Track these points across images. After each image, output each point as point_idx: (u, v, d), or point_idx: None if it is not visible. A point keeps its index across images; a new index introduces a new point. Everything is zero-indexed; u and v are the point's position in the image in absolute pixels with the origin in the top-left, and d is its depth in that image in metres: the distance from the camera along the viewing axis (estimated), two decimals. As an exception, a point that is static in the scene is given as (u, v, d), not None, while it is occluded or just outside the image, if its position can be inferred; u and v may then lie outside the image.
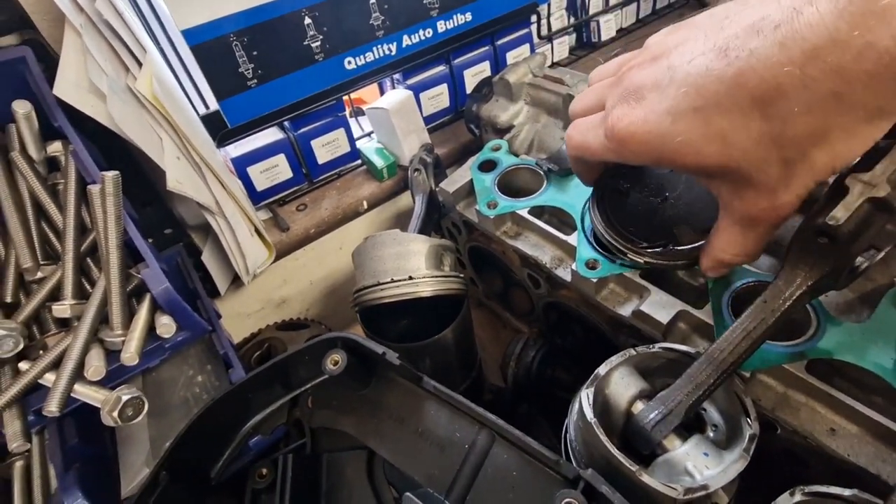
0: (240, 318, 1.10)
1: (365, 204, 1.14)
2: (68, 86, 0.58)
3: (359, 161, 1.19)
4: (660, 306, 0.66)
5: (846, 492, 0.49)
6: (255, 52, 0.90)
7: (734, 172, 0.39)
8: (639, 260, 0.60)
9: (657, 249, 0.59)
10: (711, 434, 0.57)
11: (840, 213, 0.45)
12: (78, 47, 0.59)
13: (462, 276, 0.86)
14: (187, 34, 0.81)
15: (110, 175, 0.53)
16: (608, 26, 1.48)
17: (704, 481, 0.50)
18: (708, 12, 0.42)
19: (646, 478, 0.49)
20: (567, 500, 0.48)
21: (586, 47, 1.53)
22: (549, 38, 1.41)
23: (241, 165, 1.01)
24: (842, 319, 0.60)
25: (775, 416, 0.58)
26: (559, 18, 1.40)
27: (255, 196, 1.06)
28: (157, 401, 0.77)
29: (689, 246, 0.57)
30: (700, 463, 0.52)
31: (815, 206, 0.48)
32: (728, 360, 0.53)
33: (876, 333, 0.57)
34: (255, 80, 0.92)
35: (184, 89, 0.91)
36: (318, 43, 0.96)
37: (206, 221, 0.92)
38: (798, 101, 0.34)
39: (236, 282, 1.04)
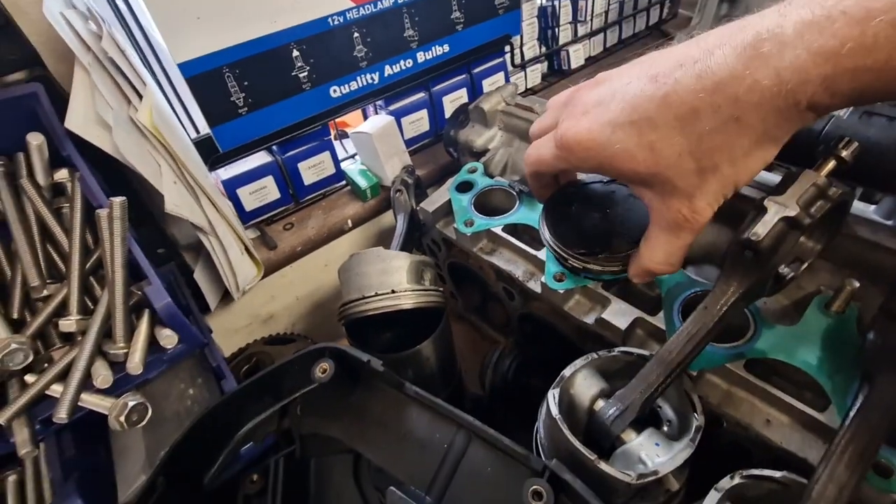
0: (228, 333, 1.14)
1: (349, 223, 1.20)
2: (78, 119, 0.63)
3: (343, 182, 1.26)
4: (619, 314, 0.73)
5: (777, 473, 0.56)
6: (246, 83, 0.96)
7: (661, 179, 0.47)
8: (577, 265, 0.68)
9: (595, 256, 0.67)
10: (666, 429, 0.64)
11: (760, 230, 0.53)
12: (86, 84, 0.65)
13: (441, 290, 0.92)
14: (183, 67, 0.87)
15: (118, 200, 0.58)
16: (577, 55, 1.58)
17: (655, 467, 0.56)
18: (646, 55, 0.51)
19: (603, 466, 0.55)
20: (534, 487, 0.54)
21: (557, 74, 1.63)
22: (523, 67, 1.50)
23: (231, 187, 1.06)
24: (776, 324, 0.67)
25: (721, 411, 0.65)
26: (531, 48, 1.50)
27: (245, 216, 1.11)
28: (151, 413, 0.80)
29: (622, 254, 0.64)
30: (652, 452, 0.58)
31: (742, 224, 0.56)
32: (675, 360, 0.60)
33: (804, 335, 0.64)
34: (246, 108, 0.98)
35: (177, 116, 0.97)
36: (305, 73, 1.03)
37: (196, 241, 0.97)
38: (709, 122, 0.42)
39: (225, 298, 1.08)
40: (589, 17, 1.56)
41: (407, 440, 0.69)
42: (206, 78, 0.90)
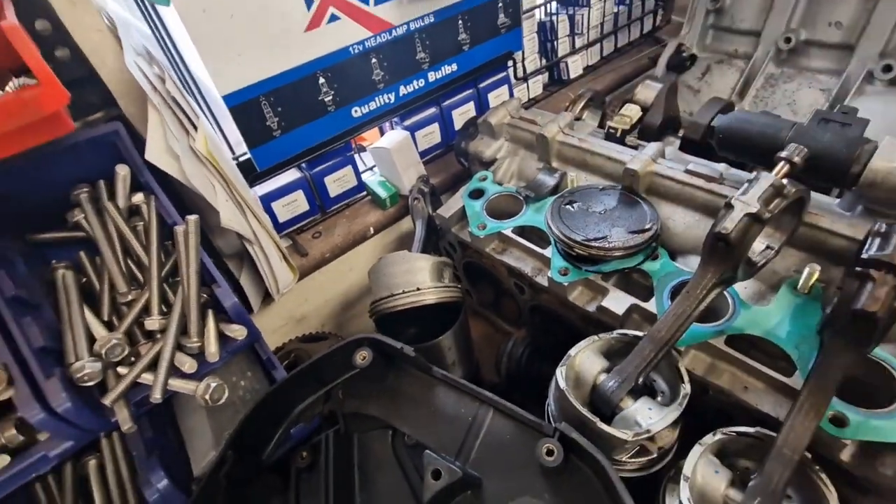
0: (267, 333, 1.26)
1: (371, 230, 1.32)
2: (155, 152, 0.75)
3: (365, 192, 1.37)
4: (617, 301, 0.84)
5: (751, 430, 0.66)
6: (279, 108, 1.08)
7: None
8: (582, 253, 0.81)
9: (596, 244, 0.79)
10: (660, 398, 0.75)
11: (728, 225, 0.64)
12: (158, 121, 0.77)
13: (459, 286, 1.03)
14: (227, 98, 0.99)
15: (193, 218, 0.70)
16: (575, 66, 1.69)
17: (647, 427, 0.67)
18: None
19: (605, 426, 0.66)
20: (547, 445, 0.65)
21: (558, 84, 1.74)
22: (525, 79, 1.61)
23: (266, 201, 1.18)
24: (753, 304, 0.78)
25: (706, 381, 0.76)
26: (532, 62, 1.61)
27: (279, 227, 1.23)
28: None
29: (621, 242, 0.76)
30: (646, 416, 0.69)
31: (715, 220, 0.67)
32: (664, 337, 0.71)
33: (776, 313, 0.75)
34: (280, 131, 1.10)
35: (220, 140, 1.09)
36: (330, 97, 1.15)
37: (238, 251, 1.09)
38: None
39: (265, 301, 1.20)
40: (585, 30, 1.67)
41: (436, 415, 0.80)
42: (245, 106, 1.03)
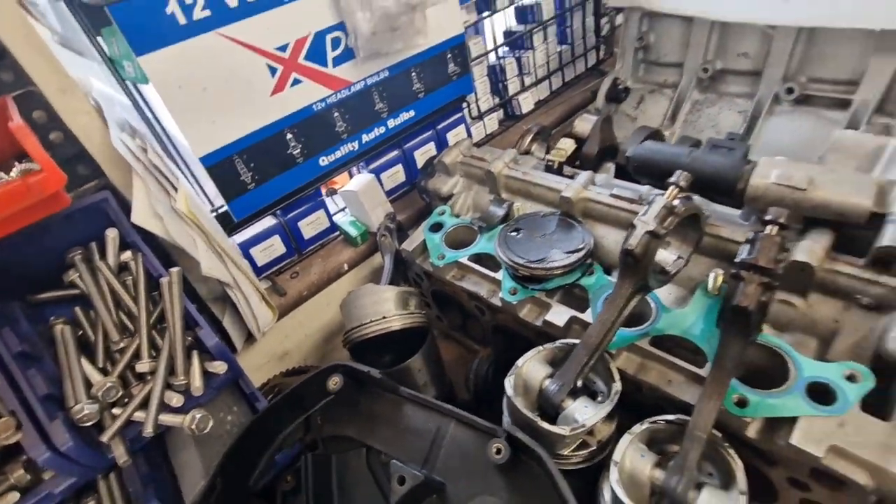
0: (251, 370, 1.34)
1: (345, 266, 1.42)
2: (141, 215, 0.85)
3: (337, 232, 1.48)
4: (558, 315, 0.95)
5: (672, 417, 0.76)
6: (252, 164, 1.20)
7: None
8: (526, 274, 0.92)
9: (537, 265, 0.91)
10: (600, 398, 0.84)
11: (633, 241, 0.76)
12: (142, 187, 0.87)
13: (424, 312, 1.13)
14: (203, 159, 1.10)
15: (175, 270, 0.80)
16: (527, 102, 1.85)
17: (583, 422, 0.76)
18: None
19: (544, 424, 0.76)
20: (496, 445, 0.75)
21: (512, 119, 1.89)
22: (481, 117, 1.76)
23: (245, 248, 1.29)
24: (673, 308, 0.89)
25: (637, 379, 0.86)
26: (486, 101, 1.76)
27: (258, 270, 1.33)
28: (201, 436, 1.00)
29: (558, 262, 0.87)
30: (584, 413, 0.79)
31: (624, 238, 0.78)
32: (595, 342, 0.82)
33: (691, 314, 0.86)
34: (254, 184, 1.22)
35: (199, 196, 1.20)
36: (298, 150, 1.27)
37: (220, 295, 1.19)
38: None
39: (247, 341, 1.29)
40: (533, 69, 1.83)
41: (405, 430, 0.89)
42: (221, 165, 1.14)
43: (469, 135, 1.68)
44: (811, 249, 0.77)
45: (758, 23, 1.26)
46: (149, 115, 1.12)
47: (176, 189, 0.96)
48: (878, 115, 1.19)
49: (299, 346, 1.46)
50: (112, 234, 0.85)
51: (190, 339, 0.88)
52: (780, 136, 1.30)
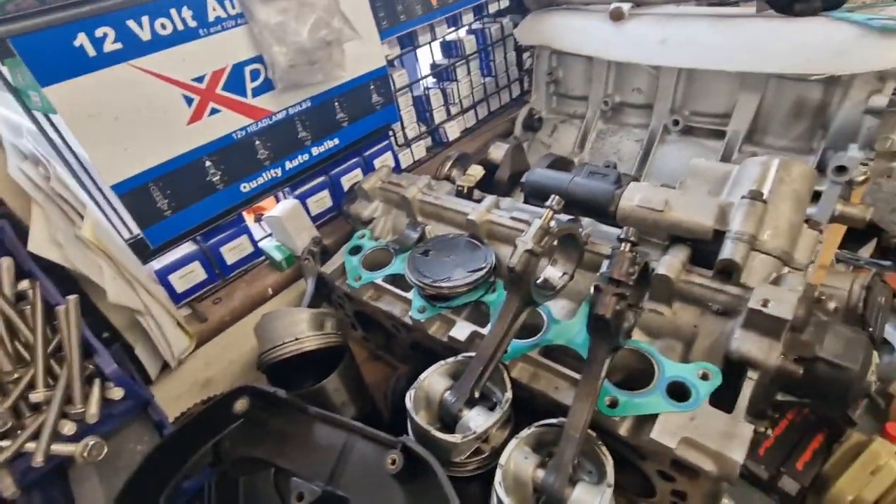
0: (171, 400, 1.32)
1: (270, 290, 1.44)
2: (38, 243, 0.85)
3: (262, 257, 1.50)
4: (461, 330, 1.01)
5: (555, 420, 0.83)
6: (168, 191, 1.21)
7: None
8: (432, 292, 0.98)
9: (442, 283, 0.96)
10: (498, 407, 0.90)
11: (514, 259, 0.83)
12: (41, 215, 0.87)
13: (341, 333, 1.16)
14: (115, 187, 1.11)
15: (72, 298, 0.80)
16: (453, 130, 1.95)
17: (475, 429, 0.82)
18: None
19: (437, 433, 0.81)
20: (391, 456, 0.79)
21: (440, 146, 1.98)
22: (408, 144, 1.84)
23: (162, 275, 1.28)
24: (562, 320, 0.97)
25: (529, 386, 0.92)
26: (412, 129, 1.84)
27: (177, 297, 1.32)
28: (106, 468, 0.98)
29: (460, 280, 0.94)
30: (478, 421, 0.84)
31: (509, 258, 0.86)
32: (488, 354, 0.88)
33: (577, 324, 0.94)
34: (170, 211, 1.22)
35: (112, 223, 1.20)
36: (217, 177, 1.29)
37: (134, 323, 1.17)
38: None
39: (165, 370, 1.27)
40: (458, 99, 1.94)
41: (313, 448, 0.92)
42: (134, 192, 1.15)
43: (396, 161, 1.75)
44: (671, 263, 0.87)
45: (642, 63, 1.41)
46: (59, 142, 1.11)
47: (82, 216, 0.97)
48: (748, 144, 1.36)
49: (223, 372, 1.44)
50: (6, 264, 0.84)
51: (91, 367, 0.88)
52: (670, 162, 1.45)
